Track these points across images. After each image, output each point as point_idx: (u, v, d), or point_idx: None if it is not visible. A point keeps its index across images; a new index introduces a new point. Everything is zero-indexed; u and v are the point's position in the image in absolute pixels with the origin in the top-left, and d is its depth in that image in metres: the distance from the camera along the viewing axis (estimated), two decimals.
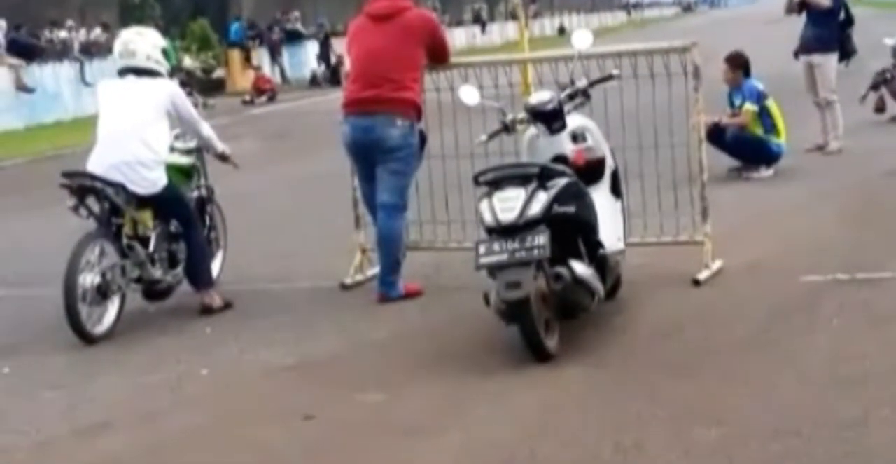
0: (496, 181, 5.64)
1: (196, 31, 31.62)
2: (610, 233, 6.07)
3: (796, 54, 12.02)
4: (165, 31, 33.17)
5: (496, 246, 5.45)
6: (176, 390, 5.62)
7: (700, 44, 7.02)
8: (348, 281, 7.39)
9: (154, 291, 7.01)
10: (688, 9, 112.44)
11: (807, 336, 5.68)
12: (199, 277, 7.06)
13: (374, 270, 7.30)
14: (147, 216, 6.86)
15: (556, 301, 5.55)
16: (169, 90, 7.02)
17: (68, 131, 21.75)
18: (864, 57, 12.10)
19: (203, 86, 28.08)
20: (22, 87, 24.38)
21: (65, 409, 5.46)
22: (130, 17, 34.55)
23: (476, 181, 5.75)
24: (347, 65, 7.28)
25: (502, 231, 5.49)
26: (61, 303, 6.32)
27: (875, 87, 13.45)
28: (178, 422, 5.21)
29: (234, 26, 32.35)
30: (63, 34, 28.58)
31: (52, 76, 25.76)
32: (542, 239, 5.39)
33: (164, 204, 6.88)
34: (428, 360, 5.79)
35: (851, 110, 12.44)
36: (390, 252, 6.97)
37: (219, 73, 30.75)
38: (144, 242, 6.83)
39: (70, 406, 5.49)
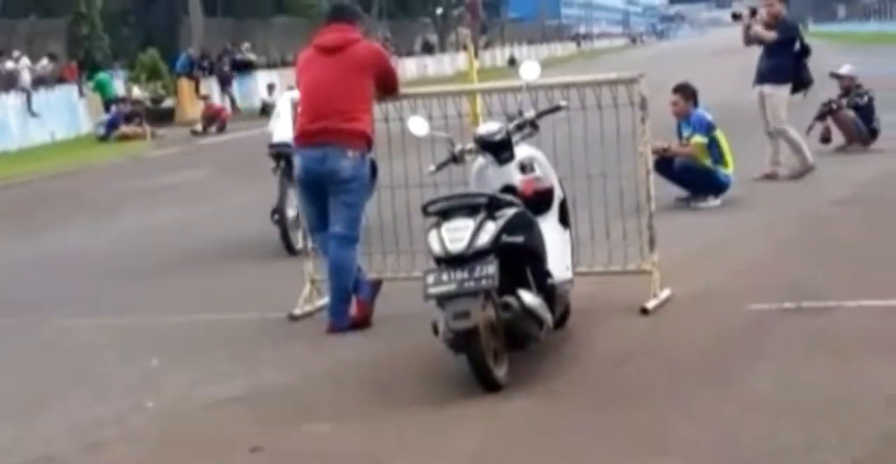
0: (445, 211, 5.66)
1: (145, 61, 31.50)
2: (558, 262, 6.09)
3: (755, 84, 12.13)
4: (114, 62, 33.18)
5: (445, 276, 5.45)
6: (121, 423, 5.55)
7: (648, 75, 7.08)
8: (297, 312, 7.35)
9: None
10: (634, 41, 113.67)
11: (754, 365, 5.71)
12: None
13: (324, 300, 7.28)
14: None
15: (504, 331, 5.55)
16: None
17: (15, 161, 21.59)
18: (815, 87, 12.23)
19: (152, 116, 27.97)
20: None
21: (8, 442, 5.38)
22: (79, 47, 34.35)
23: (425, 211, 5.76)
24: (297, 97, 7.28)
25: (451, 261, 5.50)
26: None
27: (821, 117, 13.61)
28: (122, 455, 5.15)
29: (181, 57, 32.27)
30: (10, 64, 28.36)
31: None
32: (490, 269, 5.40)
33: None
34: (376, 390, 5.76)
35: None
36: (341, 283, 6.95)
37: (168, 103, 30.63)
38: None
39: (13, 440, 5.42)
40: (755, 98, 12.04)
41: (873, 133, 13.75)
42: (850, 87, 13.89)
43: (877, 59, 30.69)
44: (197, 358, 6.63)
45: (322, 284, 7.34)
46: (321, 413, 5.44)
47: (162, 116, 29.13)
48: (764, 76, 11.90)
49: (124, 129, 26.02)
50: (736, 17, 12.64)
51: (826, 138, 13.56)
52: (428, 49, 57.02)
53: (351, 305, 6.99)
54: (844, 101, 13.71)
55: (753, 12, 12.25)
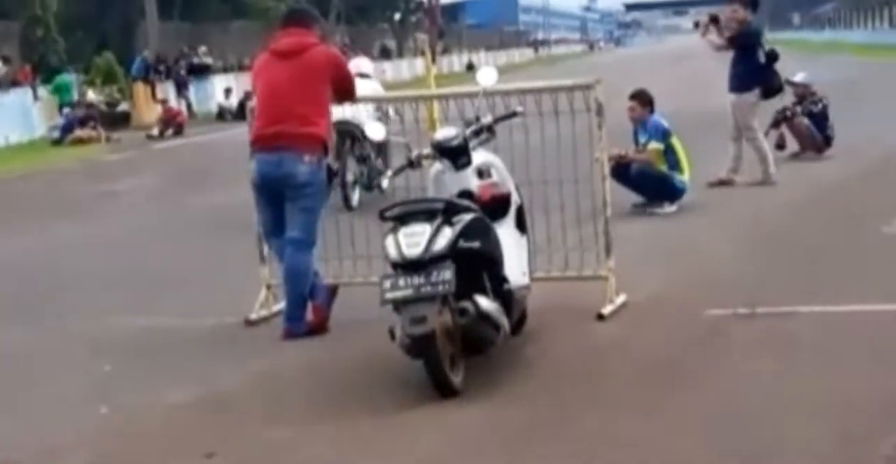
0: (402, 217, 5.65)
1: (100, 64, 31.26)
2: (515, 268, 6.10)
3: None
4: (69, 65, 32.89)
5: (401, 281, 5.45)
6: (75, 429, 5.50)
7: (605, 81, 7.11)
8: (253, 317, 7.32)
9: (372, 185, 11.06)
10: (591, 47, 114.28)
11: (710, 370, 5.75)
12: None
13: (280, 305, 7.25)
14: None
15: (461, 336, 5.56)
16: None
17: None
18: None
19: (107, 120, 27.75)
20: None
21: None
22: (33, 50, 34.05)
23: (382, 216, 5.75)
24: (254, 101, 7.25)
25: (408, 266, 5.49)
26: None
27: (776, 124, 13.72)
28: (76, 461, 5.10)
29: (137, 61, 32.04)
30: None
31: None
32: (447, 274, 5.40)
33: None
34: (334, 396, 5.74)
35: None
36: (297, 288, 6.93)
37: (123, 106, 30.41)
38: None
39: None
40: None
41: (828, 140, 13.87)
42: (804, 94, 14.01)
43: (829, 66, 31.04)
44: (152, 363, 6.58)
45: (278, 289, 7.31)
46: (277, 419, 5.41)
47: (117, 120, 28.90)
48: (730, 84, 12.00)
49: (79, 133, 25.80)
50: (697, 25, 12.76)
51: (781, 145, 13.66)
52: (386, 54, 57.00)
53: (307, 310, 6.97)
54: (799, 109, 13.84)
55: (714, 20, 12.35)
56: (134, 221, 12.76)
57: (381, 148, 11.58)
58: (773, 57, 11.98)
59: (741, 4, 12.21)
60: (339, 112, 9.92)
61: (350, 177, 11.51)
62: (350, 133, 11.15)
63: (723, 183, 11.82)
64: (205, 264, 9.46)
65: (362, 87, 10.36)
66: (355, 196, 11.26)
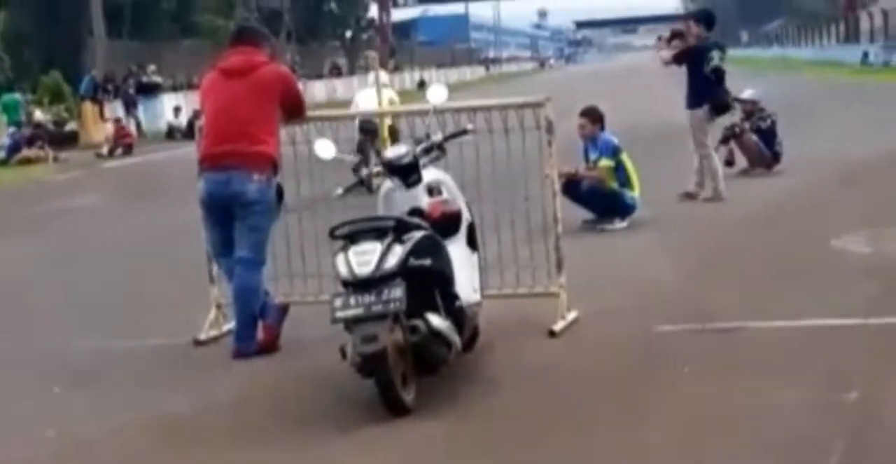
0: (352, 235, 5.63)
1: (48, 83, 31.03)
2: (466, 285, 6.09)
3: None
4: (16, 84, 32.60)
5: (352, 300, 5.43)
6: (22, 453, 5.42)
7: (556, 98, 7.13)
8: (203, 337, 7.25)
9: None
10: (542, 65, 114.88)
11: (661, 385, 5.76)
12: None
13: (230, 325, 7.19)
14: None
15: (412, 354, 5.54)
16: None
17: None
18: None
19: (55, 139, 27.51)
20: None
21: None
22: None
23: (332, 235, 5.73)
24: (202, 120, 7.20)
25: (358, 285, 5.47)
26: None
27: (725, 141, 13.81)
28: None
29: (85, 80, 31.80)
30: None
31: None
32: (398, 292, 5.38)
33: None
34: (284, 416, 5.69)
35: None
36: (247, 307, 6.88)
37: (72, 126, 30.16)
38: None
39: None
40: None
41: (776, 156, 14.00)
42: (752, 111, 14.14)
43: (777, 83, 31.37)
44: (100, 385, 6.50)
45: (228, 308, 7.26)
46: (227, 440, 5.37)
47: (65, 140, 28.67)
48: (685, 100, 12.12)
49: (26, 152, 25.58)
50: (660, 39, 13.00)
51: (730, 162, 13.76)
52: (337, 72, 56.98)
53: (258, 329, 6.92)
54: (747, 125, 13.96)
55: (673, 36, 12.47)
56: (82, 241, 12.63)
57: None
58: (718, 74, 12.09)
59: (695, 22, 12.38)
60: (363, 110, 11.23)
61: (374, 168, 11.66)
62: (372, 130, 12.17)
63: (689, 196, 11.90)
64: (153, 284, 9.38)
65: (373, 100, 11.80)
66: (375, 182, 11.33)
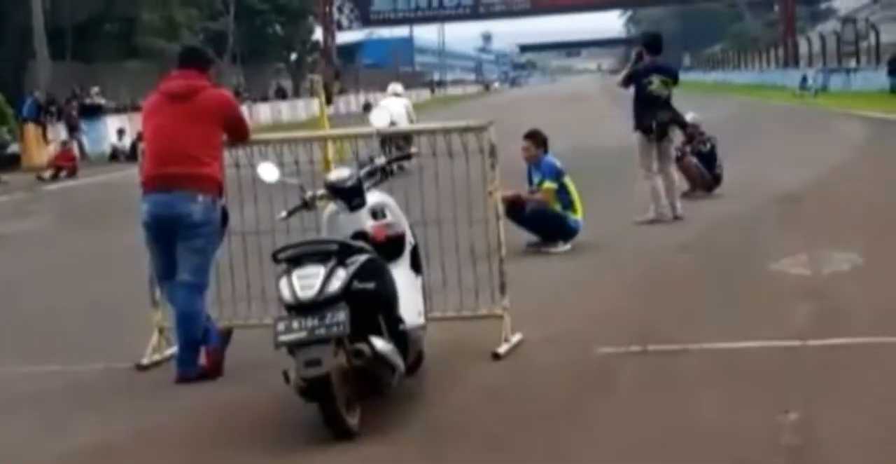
0: (295, 258, 5.62)
1: None
2: (410, 308, 6.10)
3: None
4: None
5: (295, 324, 5.42)
6: None
7: (500, 120, 7.18)
8: (145, 361, 7.20)
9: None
10: (487, 88, 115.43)
11: (604, 406, 5.80)
12: None
13: (173, 349, 7.14)
14: None
15: (356, 378, 5.53)
16: None
17: None
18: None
19: None
20: None
21: None
22: None
23: (275, 258, 5.72)
24: (144, 142, 7.17)
25: (301, 308, 5.46)
26: None
27: None
28: None
29: (28, 102, 31.48)
30: None
31: None
32: (341, 316, 5.38)
33: None
34: (227, 441, 5.66)
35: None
36: (190, 331, 6.83)
37: (14, 148, 29.84)
38: None
39: None
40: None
41: (717, 179, 14.17)
42: (693, 134, 14.30)
43: (718, 106, 31.72)
44: (39, 410, 6.43)
45: (171, 332, 7.21)
46: None
47: (6, 162, 28.38)
48: None
49: None
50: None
51: None
52: (282, 94, 56.91)
53: (200, 353, 6.88)
54: (689, 148, 14.12)
55: (639, 57, 12.62)
56: (22, 265, 12.50)
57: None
58: (650, 98, 12.25)
59: (643, 45, 12.62)
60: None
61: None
62: (391, 138, 12.21)
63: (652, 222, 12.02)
64: (95, 308, 9.29)
65: (395, 105, 12.65)
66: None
